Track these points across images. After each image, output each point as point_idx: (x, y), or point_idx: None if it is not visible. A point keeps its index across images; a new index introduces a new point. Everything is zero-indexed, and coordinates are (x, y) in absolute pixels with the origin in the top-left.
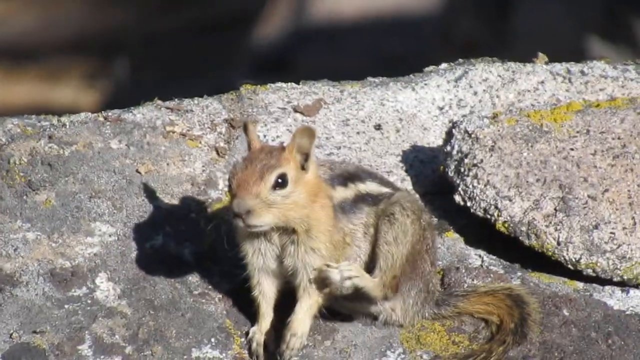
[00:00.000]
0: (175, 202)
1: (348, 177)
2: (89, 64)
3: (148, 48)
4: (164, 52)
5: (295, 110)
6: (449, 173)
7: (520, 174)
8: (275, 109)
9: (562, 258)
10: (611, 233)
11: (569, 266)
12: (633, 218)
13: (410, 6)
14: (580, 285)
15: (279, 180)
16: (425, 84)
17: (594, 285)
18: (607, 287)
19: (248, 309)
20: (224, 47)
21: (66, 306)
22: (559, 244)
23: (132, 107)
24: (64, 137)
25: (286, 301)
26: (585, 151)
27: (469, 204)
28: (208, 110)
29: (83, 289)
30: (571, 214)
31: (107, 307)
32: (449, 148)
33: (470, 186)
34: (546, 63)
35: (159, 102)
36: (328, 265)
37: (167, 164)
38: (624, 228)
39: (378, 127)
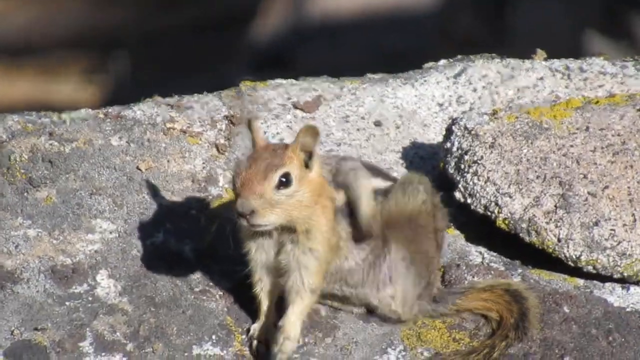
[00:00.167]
0: (176, 199)
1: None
2: (88, 60)
3: (147, 45)
4: (164, 49)
5: (295, 107)
6: (449, 170)
7: (521, 170)
8: (275, 105)
9: (563, 255)
10: (611, 230)
11: (570, 263)
12: (633, 215)
13: (410, 2)
14: (580, 282)
15: (283, 180)
16: (425, 81)
17: (595, 282)
18: (607, 284)
19: (249, 306)
20: (223, 45)
21: (67, 303)
22: (559, 240)
23: (132, 104)
24: (65, 134)
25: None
26: (585, 148)
27: (469, 200)
28: (208, 107)
29: (84, 286)
30: (571, 210)
31: (108, 304)
32: (448, 145)
33: (471, 183)
34: (545, 59)
35: (159, 98)
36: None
37: (168, 161)
38: (624, 225)
39: (378, 123)
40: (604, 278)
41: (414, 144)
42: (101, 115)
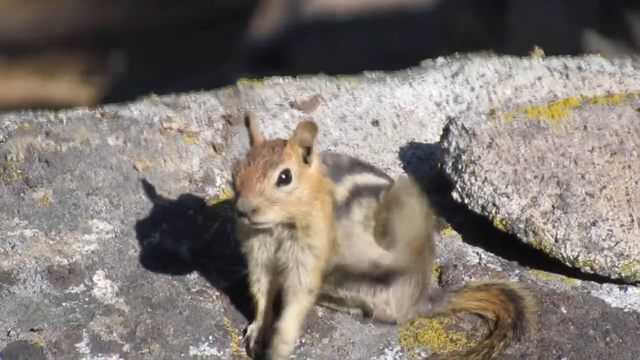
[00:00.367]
0: (173, 198)
1: (343, 171)
2: (85, 59)
3: (144, 44)
4: (161, 48)
5: (292, 106)
6: (447, 170)
7: (518, 170)
8: (272, 104)
9: (560, 255)
10: (609, 230)
11: (567, 263)
12: (631, 215)
13: (409, 1)
14: (578, 282)
15: (283, 177)
16: (423, 80)
17: (592, 282)
18: (605, 285)
19: (246, 306)
20: (221, 43)
21: (64, 304)
22: (556, 241)
23: (129, 103)
24: (61, 133)
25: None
26: (583, 147)
27: (466, 200)
28: (205, 106)
29: (80, 287)
30: (569, 211)
31: (104, 304)
32: (446, 144)
33: (468, 183)
34: (543, 57)
35: (156, 97)
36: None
37: (165, 161)
38: (621, 225)
39: (375, 123)
40: (601, 279)
41: (411, 143)
42: (98, 115)
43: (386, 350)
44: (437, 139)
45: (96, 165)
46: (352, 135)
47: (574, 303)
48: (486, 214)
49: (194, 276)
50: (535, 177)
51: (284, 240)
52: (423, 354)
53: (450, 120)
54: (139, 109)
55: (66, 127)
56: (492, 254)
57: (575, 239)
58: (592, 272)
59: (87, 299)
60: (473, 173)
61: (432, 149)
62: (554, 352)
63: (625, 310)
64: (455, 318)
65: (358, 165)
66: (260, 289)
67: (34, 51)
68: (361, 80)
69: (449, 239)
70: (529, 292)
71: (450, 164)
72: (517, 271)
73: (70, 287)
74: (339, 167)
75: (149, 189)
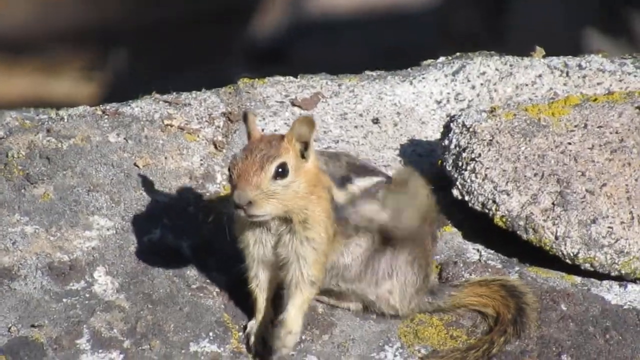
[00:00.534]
0: (173, 195)
1: (343, 178)
2: (86, 56)
3: (145, 41)
4: (162, 45)
5: (293, 104)
6: (447, 167)
7: (518, 168)
8: (273, 102)
9: (560, 252)
10: (609, 227)
11: (567, 260)
12: (631, 212)
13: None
14: (578, 279)
15: (280, 170)
16: (423, 78)
17: (592, 279)
18: (604, 282)
19: (246, 302)
20: (222, 40)
21: (64, 300)
22: (556, 238)
23: (130, 101)
24: (62, 130)
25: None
26: (583, 145)
27: (466, 198)
28: (206, 103)
29: (81, 283)
30: (569, 208)
31: (105, 301)
32: (446, 142)
33: (468, 180)
34: (544, 57)
35: (157, 95)
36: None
37: (165, 158)
38: (621, 222)
39: (376, 121)
40: (601, 276)
41: (411, 141)
42: (99, 112)
43: (386, 347)
44: (438, 136)
45: (97, 162)
46: (353, 133)
47: (573, 300)
48: (486, 211)
49: (194, 272)
50: (536, 174)
51: (282, 235)
52: (423, 351)
53: (451, 118)
54: (139, 106)
55: (67, 124)
56: (492, 251)
57: (575, 236)
58: (592, 269)
59: (87, 295)
60: (473, 170)
61: (432, 147)
62: (554, 349)
63: (625, 307)
64: (455, 315)
65: (353, 170)
66: (258, 284)
67: (36, 49)
68: (362, 78)
69: (449, 236)
70: (529, 289)
71: (450, 161)
72: (517, 268)
73: (71, 284)
74: (336, 174)
75: (150, 186)
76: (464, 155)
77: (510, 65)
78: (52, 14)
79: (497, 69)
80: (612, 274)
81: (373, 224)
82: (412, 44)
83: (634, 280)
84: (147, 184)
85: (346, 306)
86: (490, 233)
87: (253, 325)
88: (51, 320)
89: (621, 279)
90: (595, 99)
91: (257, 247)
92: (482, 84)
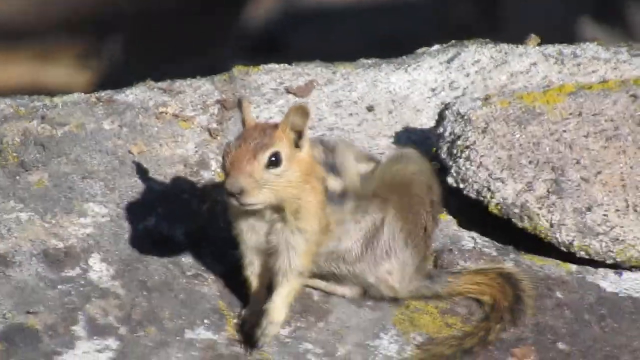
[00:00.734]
0: (168, 182)
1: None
2: (81, 44)
3: (140, 28)
4: (157, 33)
5: (288, 92)
6: (442, 155)
7: (513, 155)
8: (268, 90)
9: (555, 240)
10: (604, 215)
11: (562, 248)
12: (626, 200)
13: None
14: (573, 267)
15: (273, 159)
16: (418, 66)
17: (587, 267)
18: (600, 270)
19: (241, 290)
20: (216, 28)
21: (59, 287)
22: (551, 226)
23: (124, 88)
24: (57, 117)
25: None
26: (578, 133)
27: (461, 185)
28: (200, 91)
29: (76, 270)
30: (564, 196)
31: (100, 287)
32: (441, 130)
33: (463, 168)
34: (538, 44)
35: (152, 82)
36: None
37: (160, 145)
38: (616, 210)
39: (370, 108)
40: (596, 263)
41: (406, 128)
42: (93, 99)
43: (381, 334)
44: (432, 124)
45: (91, 149)
46: (347, 121)
47: (569, 288)
48: (481, 198)
49: (189, 260)
50: (531, 162)
51: (274, 223)
52: (418, 338)
53: (446, 105)
54: (134, 94)
55: (61, 111)
56: (487, 239)
57: (570, 224)
58: (587, 257)
59: (82, 282)
60: (468, 158)
61: (426, 134)
62: (549, 336)
63: (621, 295)
64: (450, 302)
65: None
66: (253, 272)
67: (30, 37)
68: (356, 65)
69: (444, 224)
70: (526, 276)
71: (445, 149)
72: (512, 256)
73: (66, 270)
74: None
75: (144, 173)
76: (459, 142)
77: (505, 53)
78: (47, 2)
79: (491, 57)
80: (608, 261)
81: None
82: (408, 32)
83: (629, 268)
84: (141, 171)
85: (342, 293)
86: (485, 221)
87: (247, 311)
88: (46, 306)
89: (616, 266)
90: (590, 87)
91: (250, 234)
92: (476, 72)
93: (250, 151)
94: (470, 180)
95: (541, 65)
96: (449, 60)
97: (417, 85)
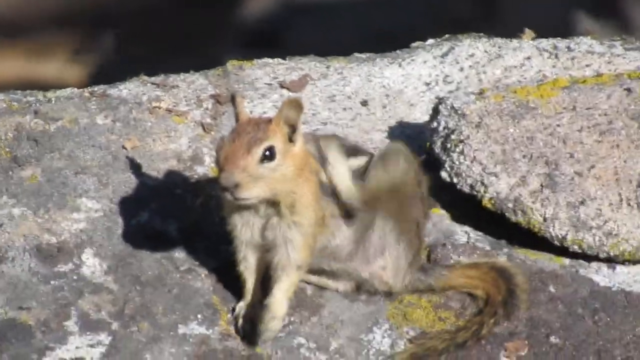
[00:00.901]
0: (161, 178)
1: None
2: (75, 39)
3: (135, 23)
4: (151, 27)
5: (282, 86)
6: (435, 149)
7: (507, 150)
8: (262, 84)
9: (549, 234)
10: (597, 209)
11: (555, 242)
12: (619, 194)
13: None
14: (566, 261)
15: (267, 153)
16: (412, 60)
17: (581, 261)
18: (593, 264)
19: (234, 284)
20: (211, 23)
21: (52, 282)
22: (545, 220)
23: (118, 83)
24: (50, 112)
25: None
26: (572, 127)
27: (455, 180)
28: (194, 86)
29: (69, 265)
30: (557, 190)
31: (93, 283)
32: (435, 124)
33: (457, 162)
34: (532, 39)
35: (145, 77)
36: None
37: (153, 140)
38: (610, 204)
39: (364, 103)
40: (590, 257)
41: (400, 123)
42: (87, 94)
43: (375, 328)
44: (426, 118)
45: (85, 144)
46: (341, 115)
47: (562, 282)
48: (475, 193)
49: (182, 255)
50: (524, 156)
51: (270, 218)
52: (412, 332)
53: (440, 100)
54: (127, 89)
55: (55, 106)
56: (480, 233)
57: (564, 218)
58: (580, 251)
59: (75, 278)
60: (462, 152)
61: (421, 129)
62: (543, 330)
63: (614, 289)
64: (444, 296)
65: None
66: (247, 267)
67: (24, 31)
68: (350, 60)
69: (438, 218)
70: (519, 270)
71: (439, 143)
72: (505, 250)
73: (59, 266)
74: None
75: (138, 168)
76: (453, 137)
77: (499, 47)
78: None
79: (485, 51)
80: (601, 255)
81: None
82: (402, 26)
83: (623, 262)
84: (135, 167)
85: (335, 287)
86: (478, 215)
87: (242, 307)
88: (39, 302)
89: (610, 260)
90: (584, 81)
91: (244, 229)
92: (470, 66)
93: (244, 145)
94: (464, 174)
95: (535, 59)
96: (443, 55)
97: (411, 80)
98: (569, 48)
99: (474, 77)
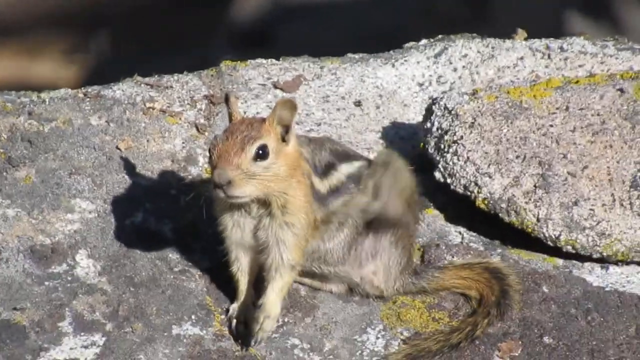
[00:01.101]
0: (155, 178)
1: (327, 166)
2: (68, 39)
3: (128, 23)
4: (144, 27)
5: (275, 87)
6: (429, 150)
7: (500, 150)
8: (255, 85)
9: (542, 235)
10: (590, 210)
11: (549, 243)
12: (612, 195)
13: None
14: (559, 262)
15: (260, 152)
16: (405, 60)
17: (574, 261)
18: (586, 264)
19: (228, 285)
20: (205, 23)
21: (46, 283)
22: (538, 220)
23: (111, 83)
24: (44, 113)
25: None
26: (565, 128)
27: (449, 180)
28: (188, 86)
29: (63, 266)
30: (551, 190)
31: (87, 284)
32: (429, 125)
33: (450, 163)
34: (525, 39)
35: (139, 78)
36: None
37: (147, 141)
38: (603, 205)
39: (358, 103)
40: (583, 258)
41: (394, 123)
42: (80, 95)
43: (369, 329)
44: (420, 119)
45: (79, 145)
46: (335, 116)
47: (555, 282)
48: (468, 193)
49: (176, 256)
50: (518, 157)
51: (262, 218)
52: (405, 333)
53: (433, 100)
54: (121, 89)
55: (49, 107)
56: (474, 234)
57: (557, 219)
58: (573, 251)
59: (69, 278)
60: (455, 153)
61: (414, 129)
62: (536, 330)
63: (607, 289)
64: (437, 297)
65: (337, 156)
66: (240, 268)
67: (17, 32)
68: (344, 60)
69: (431, 219)
70: (513, 271)
71: (432, 144)
72: (499, 250)
73: (53, 267)
74: (322, 162)
75: (132, 169)
76: (446, 137)
77: (492, 48)
78: None
79: (479, 52)
80: (594, 256)
81: (367, 214)
82: (396, 27)
83: (616, 262)
84: (129, 167)
85: (329, 289)
86: (472, 215)
87: (235, 308)
88: (33, 303)
89: (603, 261)
90: (577, 81)
91: (234, 230)
92: (464, 67)
93: (238, 144)
94: (457, 175)
95: (528, 59)
96: (437, 55)
97: (404, 80)
98: (561, 48)
99: (467, 78)
